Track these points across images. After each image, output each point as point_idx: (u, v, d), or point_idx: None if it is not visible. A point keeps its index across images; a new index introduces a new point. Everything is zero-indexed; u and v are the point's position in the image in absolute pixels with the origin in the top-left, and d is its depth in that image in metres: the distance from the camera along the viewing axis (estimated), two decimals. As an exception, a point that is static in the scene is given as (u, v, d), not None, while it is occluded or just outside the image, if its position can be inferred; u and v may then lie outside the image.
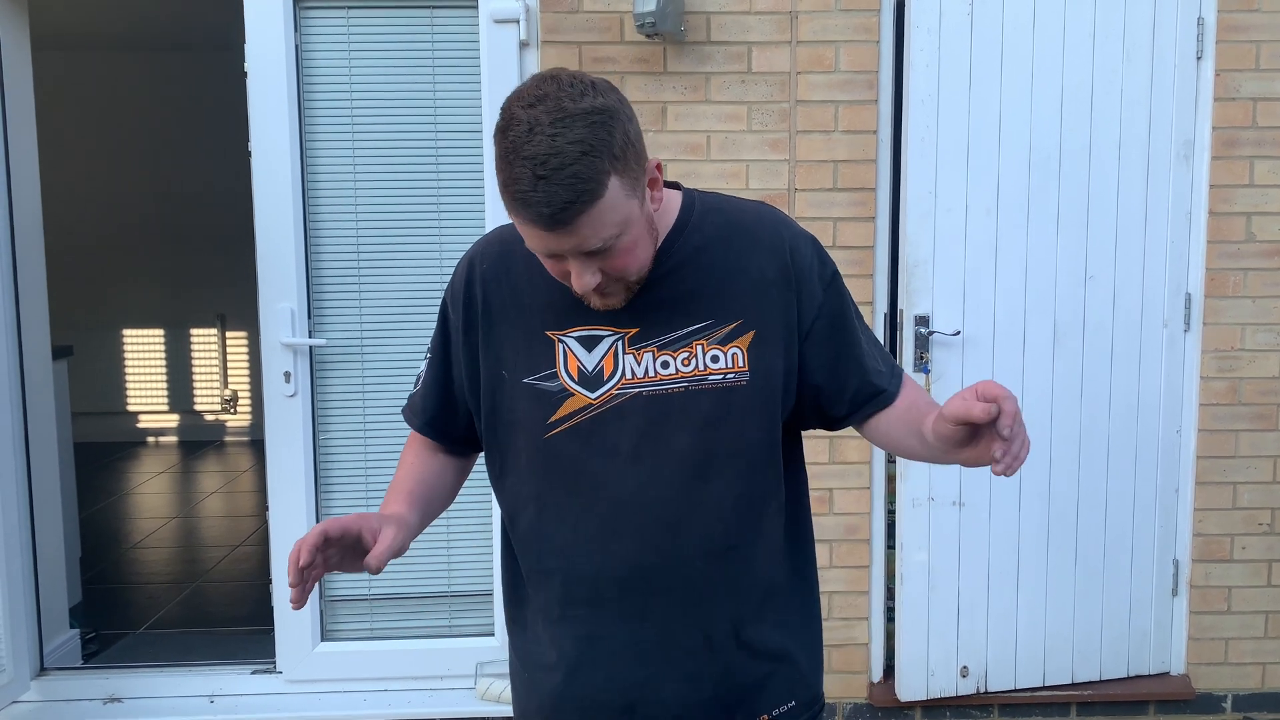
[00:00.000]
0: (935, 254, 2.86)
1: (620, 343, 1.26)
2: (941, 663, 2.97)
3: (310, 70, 2.93)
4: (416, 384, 1.43)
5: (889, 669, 3.06)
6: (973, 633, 2.98)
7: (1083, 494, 2.98)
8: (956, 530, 2.94)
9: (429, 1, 2.92)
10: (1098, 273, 2.92)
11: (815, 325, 1.31)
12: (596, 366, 1.26)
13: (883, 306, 2.98)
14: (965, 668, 2.98)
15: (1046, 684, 3.02)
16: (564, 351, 1.27)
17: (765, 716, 1.33)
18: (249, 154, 2.91)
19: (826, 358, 1.32)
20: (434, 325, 1.42)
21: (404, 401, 1.48)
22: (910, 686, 2.97)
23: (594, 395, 1.26)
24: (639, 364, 1.26)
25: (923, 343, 2.86)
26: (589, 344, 1.27)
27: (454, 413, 1.39)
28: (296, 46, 2.90)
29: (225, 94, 4.55)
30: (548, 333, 1.28)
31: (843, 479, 2.97)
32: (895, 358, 2.88)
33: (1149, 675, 3.09)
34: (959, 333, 2.88)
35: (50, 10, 4.79)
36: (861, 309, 2.88)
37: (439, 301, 2.93)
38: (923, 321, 2.86)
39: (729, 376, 1.27)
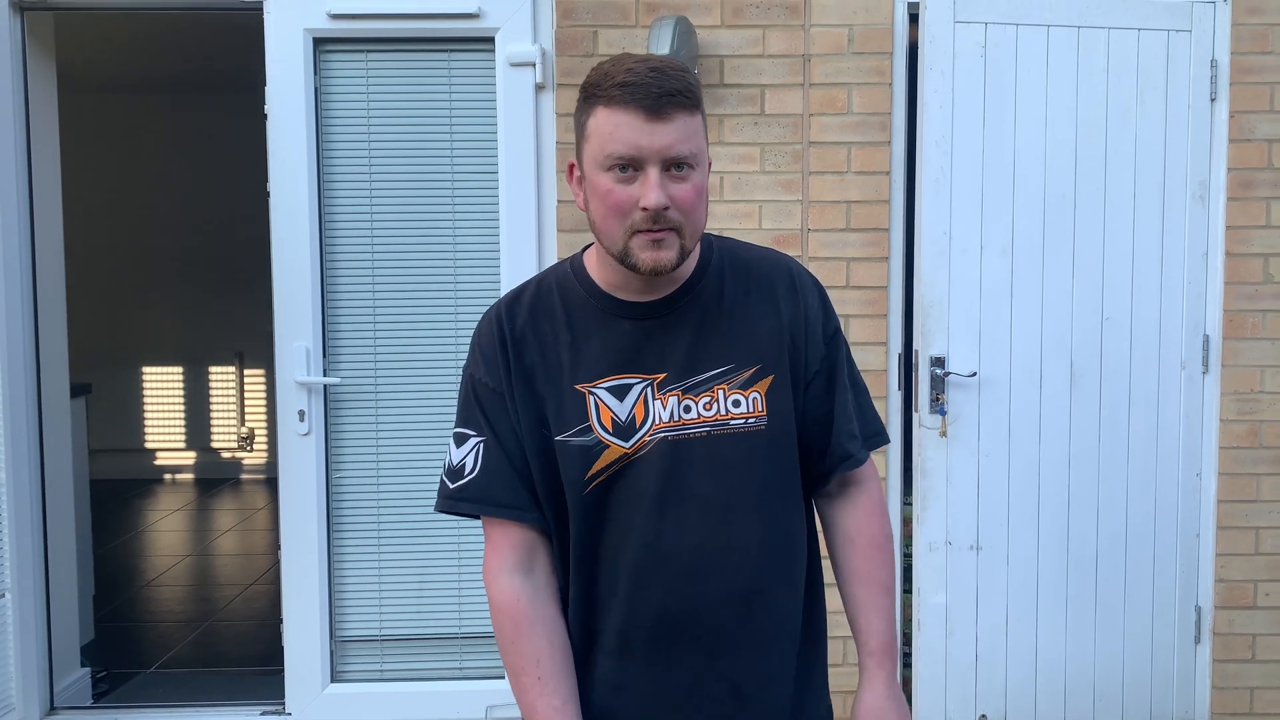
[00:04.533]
0: (950, 294, 2.85)
1: (649, 389, 1.26)
2: (959, 710, 2.92)
3: (329, 111, 2.97)
4: (466, 473, 1.30)
5: (906, 715, 3.00)
6: (991, 679, 2.93)
7: (1102, 538, 2.94)
8: (974, 574, 2.90)
9: (446, 45, 2.96)
10: (1114, 314, 2.90)
11: (815, 378, 1.33)
12: (629, 415, 1.26)
13: (897, 347, 2.97)
14: (984, 716, 2.93)
15: (1067, 732, 2.97)
16: (595, 404, 1.26)
17: None
18: (268, 194, 2.94)
19: (819, 413, 1.33)
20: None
21: (420, 494, 1.44)
22: (927, 734, 2.91)
23: (628, 444, 1.26)
24: (665, 408, 1.26)
25: (938, 384, 2.84)
26: (619, 394, 1.26)
27: (528, 485, 1.29)
28: (316, 89, 2.94)
29: (246, 135, 4.61)
30: (577, 386, 1.27)
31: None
32: (911, 399, 2.88)
33: (1172, 724, 3.02)
34: (975, 374, 2.86)
35: (75, 53, 4.89)
36: (875, 350, 2.90)
37: (452, 341, 2.97)
38: (938, 362, 2.85)
39: (749, 421, 1.27)
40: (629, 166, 1.18)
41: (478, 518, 1.33)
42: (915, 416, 2.86)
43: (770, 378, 1.28)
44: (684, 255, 1.23)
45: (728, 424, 1.26)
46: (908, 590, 3.00)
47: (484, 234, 2.99)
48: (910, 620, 2.96)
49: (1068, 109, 2.85)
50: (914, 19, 2.89)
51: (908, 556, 3.01)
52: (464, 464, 1.31)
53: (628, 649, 1.28)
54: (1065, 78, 2.85)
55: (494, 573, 1.30)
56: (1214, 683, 3.00)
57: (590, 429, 1.26)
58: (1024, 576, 2.92)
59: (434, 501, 1.36)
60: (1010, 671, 2.93)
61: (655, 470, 1.25)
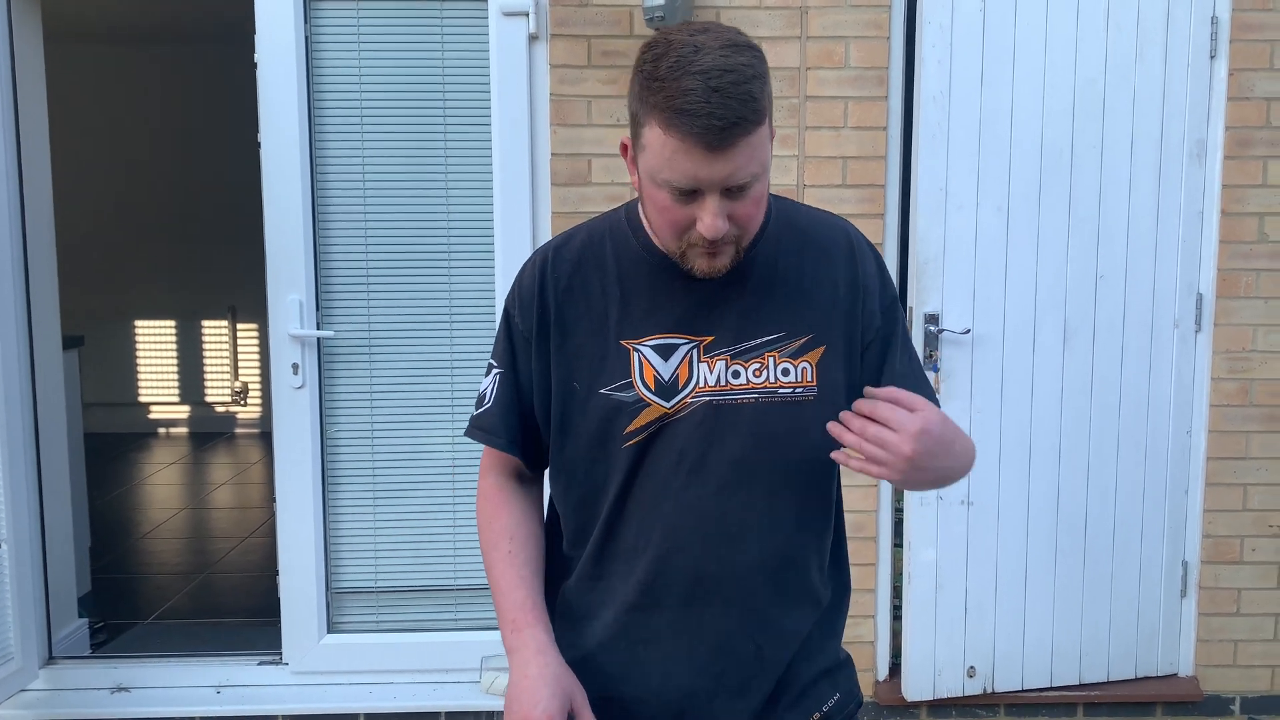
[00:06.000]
0: (945, 251, 2.84)
1: (695, 351, 1.24)
2: (948, 662, 2.96)
3: (320, 62, 2.93)
4: (484, 401, 1.34)
5: (894, 667, 3.05)
6: (980, 632, 2.97)
7: (1092, 494, 2.96)
8: (965, 529, 2.93)
9: (439, -5, 2.92)
10: (1108, 272, 2.90)
11: (870, 347, 1.31)
12: (672, 375, 1.24)
13: (892, 304, 2.97)
14: (972, 668, 2.97)
15: (1054, 685, 3.01)
16: (639, 360, 1.25)
17: (817, 715, 1.34)
18: (259, 146, 2.92)
19: (872, 381, 1.31)
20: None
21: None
22: (916, 686, 2.96)
23: (669, 404, 1.24)
24: (711, 372, 1.24)
25: (932, 341, 2.85)
26: (665, 353, 1.25)
27: (533, 426, 1.33)
28: (306, 38, 2.90)
29: (236, 86, 4.56)
30: (623, 342, 1.25)
31: (848, 475, 2.95)
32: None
33: (1157, 677, 3.07)
34: (969, 331, 2.86)
35: (62, 3, 4.81)
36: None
37: (445, 294, 2.96)
38: (932, 320, 2.85)
39: (798, 391, 1.25)
40: (687, 192, 1.13)
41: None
42: (908, 373, 2.87)
43: (822, 348, 1.26)
44: (739, 257, 1.21)
45: (776, 392, 1.25)
46: (898, 544, 3.03)
47: (477, 187, 2.97)
48: (901, 574, 2.99)
49: (1066, 65, 2.83)
50: (913, -29, 2.86)
51: (899, 511, 3.03)
52: (485, 393, 1.34)
53: (658, 605, 1.28)
54: (1064, 33, 2.82)
55: (484, 471, 1.38)
56: (1199, 636, 3.05)
57: (631, 385, 1.24)
58: (1014, 532, 2.95)
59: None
60: (999, 625, 2.97)
61: (697, 433, 1.24)
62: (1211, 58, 2.89)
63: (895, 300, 1.35)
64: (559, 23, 2.84)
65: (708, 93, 1.06)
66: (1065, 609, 2.99)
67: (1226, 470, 2.99)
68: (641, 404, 1.24)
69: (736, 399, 1.24)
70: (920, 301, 2.85)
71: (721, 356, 1.25)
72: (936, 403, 1.32)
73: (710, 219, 1.13)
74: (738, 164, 1.10)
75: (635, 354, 1.25)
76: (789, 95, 2.86)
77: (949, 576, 2.94)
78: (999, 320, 2.88)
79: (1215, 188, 2.92)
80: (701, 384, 1.24)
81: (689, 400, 1.24)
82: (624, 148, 1.22)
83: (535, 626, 1.26)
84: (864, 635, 3.01)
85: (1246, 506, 3.01)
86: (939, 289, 2.85)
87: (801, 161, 2.88)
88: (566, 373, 1.27)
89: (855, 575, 2.96)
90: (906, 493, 2.92)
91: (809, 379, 1.26)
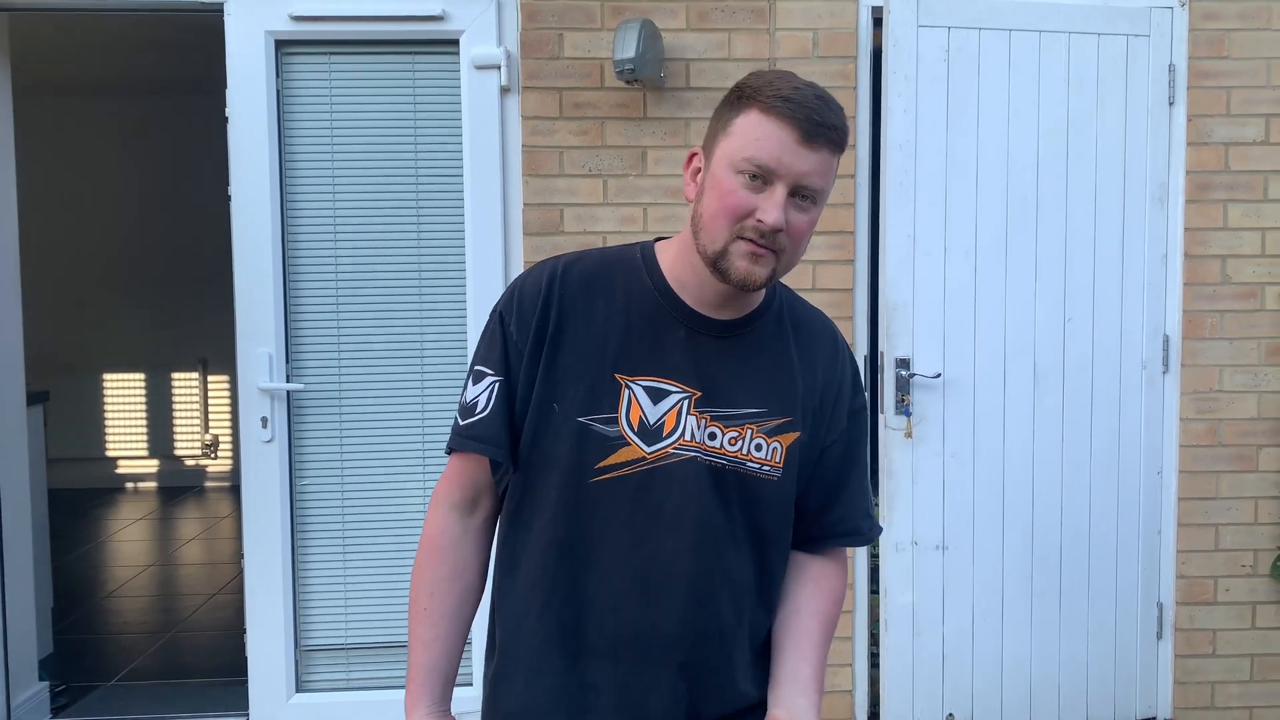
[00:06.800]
0: (915, 297, 2.86)
1: (686, 402, 1.24)
2: (927, 708, 2.93)
3: (291, 115, 2.93)
4: (477, 410, 1.26)
5: (873, 716, 3.02)
6: (958, 678, 2.95)
7: (1066, 537, 2.96)
8: (940, 574, 2.92)
9: (411, 48, 2.94)
10: (1076, 315, 2.94)
11: (831, 447, 1.33)
12: (658, 421, 1.23)
13: (863, 349, 2.99)
14: (950, 715, 2.95)
15: (1033, 730, 2.99)
16: (629, 398, 1.23)
17: None
18: (229, 198, 2.91)
19: (826, 481, 1.33)
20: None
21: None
22: (896, 734, 2.93)
23: (649, 449, 1.23)
24: (699, 428, 1.24)
25: (904, 385, 2.86)
26: (656, 396, 1.23)
27: (517, 437, 1.27)
28: (278, 91, 2.90)
29: (208, 137, 4.55)
30: (616, 375, 1.23)
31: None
32: (876, 400, 2.89)
33: (1136, 720, 3.06)
34: (940, 375, 2.88)
35: (32, 55, 4.81)
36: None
37: (416, 346, 2.95)
38: (903, 364, 2.86)
39: (764, 469, 1.26)
40: (760, 177, 1.15)
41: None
42: (881, 418, 2.88)
43: (796, 434, 1.28)
44: (772, 280, 1.22)
45: (744, 464, 1.25)
46: (875, 591, 3.01)
47: (449, 239, 2.97)
48: (878, 620, 2.97)
49: (1029, 113, 2.88)
50: (878, 23, 2.91)
51: (875, 557, 3.02)
52: (477, 401, 1.27)
53: (617, 656, 1.25)
54: (1027, 82, 2.88)
55: (437, 500, 1.31)
56: (1176, 678, 3.04)
57: (616, 420, 1.22)
58: (990, 576, 2.94)
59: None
60: (977, 670, 2.95)
61: (678, 486, 1.23)
62: (1170, 104, 2.96)
63: (864, 408, 1.37)
64: (530, 75, 2.86)
65: (813, 95, 1.16)
66: (1043, 652, 2.98)
67: (1198, 510, 3.01)
68: (621, 442, 1.23)
69: (711, 461, 1.24)
70: (891, 346, 2.86)
71: (705, 415, 1.24)
72: (874, 498, 1.40)
73: (775, 208, 1.15)
74: (817, 166, 1.16)
75: (627, 390, 1.23)
76: (758, 144, 2.89)
77: (926, 622, 2.92)
78: (969, 364, 2.90)
79: (1178, 231, 2.97)
80: (689, 437, 1.23)
81: (672, 450, 1.23)
82: (690, 156, 1.25)
83: (421, 699, 1.27)
84: (842, 684, 2.98)
85: (1219, 546, 3.02)
86: (909, 333, 2.87)
87: (771, 209, 2.90)
88: (548, 391, 1.24)
89: (833, 623, 2.95)
90: (882, 538, 2.91)
91: (777, 460, 1.27)
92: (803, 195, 1.17)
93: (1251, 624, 3.03)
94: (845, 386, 1.34)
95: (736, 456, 1.25)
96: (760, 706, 1.32)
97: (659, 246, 1.31)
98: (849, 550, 1.41)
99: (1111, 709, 3.03)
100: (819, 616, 1.32)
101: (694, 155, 1.25)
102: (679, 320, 1.25)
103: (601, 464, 1.22)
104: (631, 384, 1.23)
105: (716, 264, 1.19)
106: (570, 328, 1.24)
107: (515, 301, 1.27)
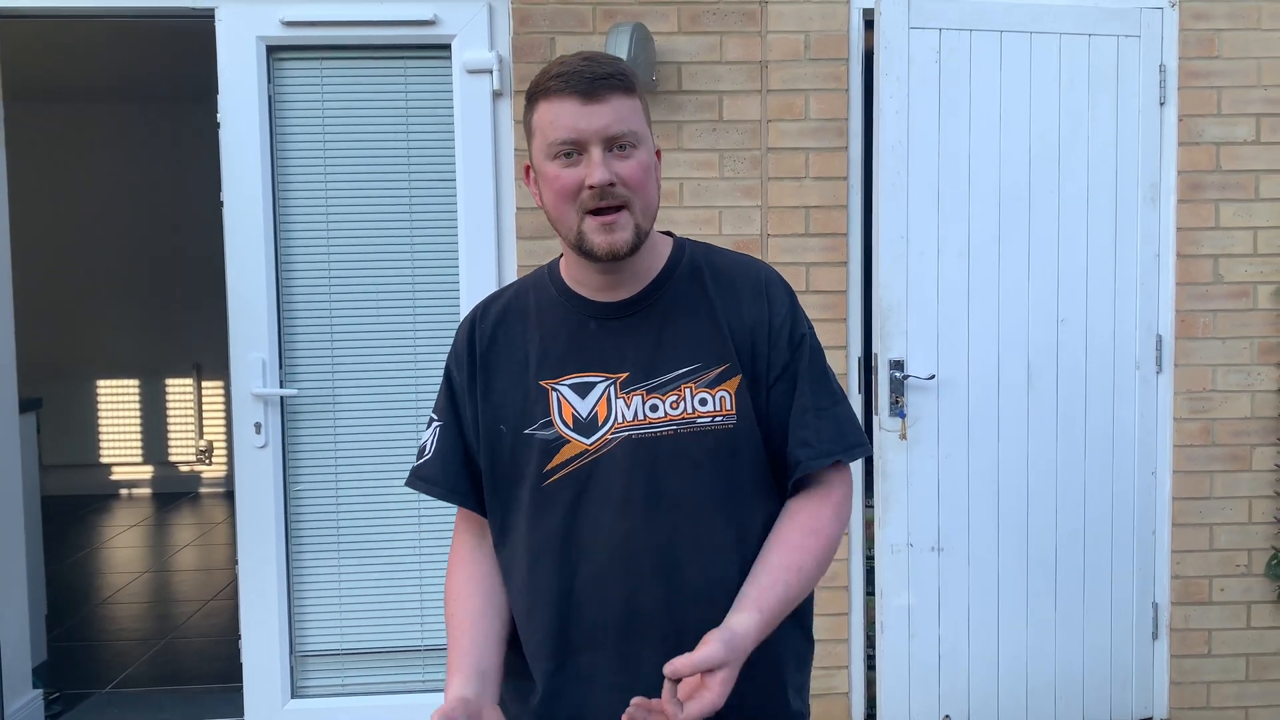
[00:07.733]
0: (908, 298, 2.87)
1: (612, 388, 1.28)
2: (923, 710, 2.93)
3: (283, 120, 2.93)
4: (424, 452, 1.38)
5: (870, 717, 3.01)
6: (954, 679, 2.95)
7: (1061, 537, 2.97)
8: (936, 575, 2.92)
9: (402, 52, 2.94)
10: (1069, 315, 2.94)
11: (776, 383, 1.31)
12: (591, 413, 1.27)
13: (857, 350, 2.99)
14: (947, 717, 2.95)
15: (1030, 731, 2.99)
16: (558, 399, 1.29)
17: None
18: (222, 203, 2.90)
19: (781, 418, 1.31)
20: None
21: (392, 472, 1.47)
22: (892, 735, 2.93)
23: (589, 441, 1.27)
24: (629, 407, 1.27)
25: (898, 387, 2.86)
26: (582, 391, 1.28)
27: (475, 473, 1.36)
28: (270, 97, 2.90)
29: (201, 143, 4.55)
30: (541, 382, 1.30)
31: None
32: (871, 402, 2.89)
33: (1132, 720, 3.06)
34: (934, 376, 2.88)
35: (22, 60, 4.80)
36: (835, 353, 2.91)
37: (410, 350, 2.94)
38: (897, 365, 2.86)
39: (717, 420, 1.27)
40: (573, 151, 1.21)
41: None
42: (875, 419, 2.88)
43: (738, 377, 1.28)
44: (639, 236, 1.24)
45: (694, 422, 1.26)
46: (870, 593, 3.01)
47: (442, 243, 2.96)
48: (874, 622, 2.97)
49: (1021, 113, 2.89)
50: (869, 25, 2.92)
51: (870, 559, 3.02)
52: (425, 444, 1.39)
53: (596, 646, 1.27)
54: (1019, 83, 2.88)
55: (455, 525, 1.41)
56: (1172, 678, 3.04)
57: (551, 423, 1.28)
58: (985, 577, 2.94)
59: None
60: (973, 671, 2.95)
61: (621, 468, 1.26)
62: (1161, 104, 2.96)
63: (805, 337, 1.33)
64: (522, 79, 2.86)
65: (580, 60, 1.23)
66: (1038, 652, 2.98)
67: (1192, 510, 3.01)
68: (561, 441, 1.27)
69: (656, 432, 1.26)
70: (885, 348, 2.87)
71: (638, 392, 1.27)
72: (861, 439, 1.33)
73: (596, 168, 1.20)
74: (613, 116, 1.21)
75: (554, 393, 1.29)
76: (751, 147, 2.90)
77: (921, 623, 2.92)
78: (963, 365, 2.90)
79: (1170, 231, 2.98)
80: (619, 420, 1.27)
81: (609, 436, 1.26)
82: (526, 170, 1.32)
83: (452, 681, 1.28)
84: (838, 686, 2.98)
85: (1213, 546, 3.02)
86: (903, 335, 2.87)
87: (765, 211, 2.91)
88: (492, 418, 1.32)
89: (829, 625, 2.95)
90: (877, 540, 2.91)
91: (728, 407, 1.27)
92: (619, 145, 1.22)
93: (1246, 623, 3.04)
94: (779, 318, 1.31)
95: (684, 418, 1.26)
96: (757, 664, 1.29)
97: (563, 258, 1.37)
98: (837, 481, 1.33)
99: (1108, 709, 3.04)
100: (783, 546, 1.27)
101: (528, 169, 1.32)
102: (586, 315, 1.31)
103: (550, 466, 1.28)
104: (556, 386, 1.29)
105: (581, 249, 1.25)
106: (494, 357, 1.33)
107: (453, 349, 1.39)
